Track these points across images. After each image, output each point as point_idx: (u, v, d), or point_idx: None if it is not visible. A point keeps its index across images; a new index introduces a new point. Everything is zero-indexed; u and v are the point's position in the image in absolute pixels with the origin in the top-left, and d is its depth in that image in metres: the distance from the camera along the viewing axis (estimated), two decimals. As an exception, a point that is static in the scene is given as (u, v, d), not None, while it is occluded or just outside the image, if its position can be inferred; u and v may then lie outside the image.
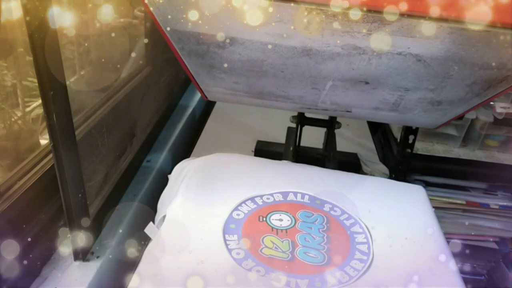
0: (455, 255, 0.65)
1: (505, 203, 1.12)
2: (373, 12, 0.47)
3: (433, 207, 0.77)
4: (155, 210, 0.73)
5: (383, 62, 0.58)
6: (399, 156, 1.01)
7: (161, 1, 0.51)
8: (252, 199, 0.71)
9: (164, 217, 0.67)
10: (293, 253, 0.61)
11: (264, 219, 0.67)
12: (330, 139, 1.00)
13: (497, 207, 1.12)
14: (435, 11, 0.45)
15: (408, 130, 0.97)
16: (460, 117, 0.95)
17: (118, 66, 0.95)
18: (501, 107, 1.11)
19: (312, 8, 0.47)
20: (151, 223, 0.66)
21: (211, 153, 0.84)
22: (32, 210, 0.63)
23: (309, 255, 0.61)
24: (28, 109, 1.06)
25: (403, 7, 0.45)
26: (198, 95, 1.36)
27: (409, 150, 0.99)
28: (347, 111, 0.77)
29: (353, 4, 0.46)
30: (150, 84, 1.03)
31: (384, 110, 0.74)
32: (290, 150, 1.01)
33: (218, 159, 0.82)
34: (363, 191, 0.77)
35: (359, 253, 0.62)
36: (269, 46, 0.57)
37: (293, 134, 1.00)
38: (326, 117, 0.98)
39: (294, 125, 0.99)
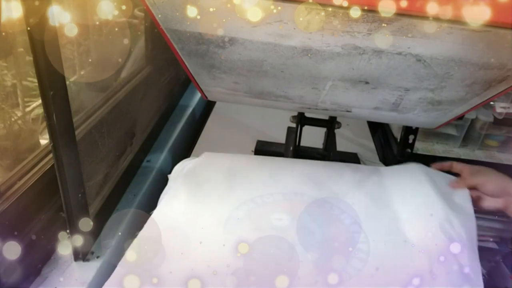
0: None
1: (505, 203, 1.12)
2: (373, 12, 0.47)
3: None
4: (155, 210, 0.73)
5: (383, 62, 0.58)
6: (399, 156, 1.01)
7: (161, 1, 0.51)
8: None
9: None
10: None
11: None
12: (330, 139, 1.00)
13: (497, 207, 1.12)
14: (435, 11, 0.45)
15: (408, 130, 0.97)
16: (460, 117, 0.95)
17: (118, 66, 0.95)
18: (501, 107, 1.11)
19: (312, 8, 0.47)
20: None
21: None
22: (32, 210, 0.63)
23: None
24: (28, 109, 1.06)
25: (404, 6, 0.45)
26: (198, 95, 1.36)
27: (409, 150, 0.99)
28: (347, 111, 0.77)
29: (353, 3, 0.46)
30: (150, 84, 1.03)
31: (384, 110, 0.74)
32: (290, 150, 1.01)
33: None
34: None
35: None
36: (269, 46, 0.57)
37: (293, 134, 1.00)
38: (326, 117, 0.98)
39: (294, 125, 0.98)
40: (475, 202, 0.74)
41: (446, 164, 0.81)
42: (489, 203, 0.72)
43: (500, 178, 0.71)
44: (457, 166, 0.78)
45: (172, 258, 0.59)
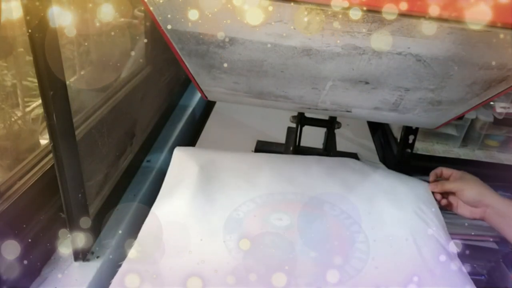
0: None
1: (505, 203, 1.12)
2: (373, 12, 0.47)
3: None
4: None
5: (383, 62, 0.58)
6: (399, 156, 1.01)
7: (161, 1, 0.50)
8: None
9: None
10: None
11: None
12: (330, 139, 1.00)
13: (497, 207, 1.12)
14: (435, 11, 0.45)
15: (408, 130, 0.97)
16: (460, 117, 0.95)
17: (118, 66, 0.95)
18: (501, 107, 1.11)
19: (312, 8, 0.47)
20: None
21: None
22: (32, 210, 0.63)
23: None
24: (28, 109, 1.06)
25: (403, 7, 0.45)
26: (198, 95, 1.36)
27: (409, 150, 0.99)
28: (347, 111, 0.77)
29: (354, 4, 0.46)
30: (150, 84, 1.03)
31: (384, 110, 0.74)
32: (290, 150, 1.01)
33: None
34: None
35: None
36: (269, 46, 0.57)
37: (293, 134, 1.00)
38: (326, 117, 0.98)
39: (294, 125, 0.98)
40: (452, 207, 0.76)
41: (437, 171, 0.82)
42: (463, 211, 0.74)
43: (479, 188, 0.72)
44: (447, 172, 0.79)
45: (173, 255, 0.59)
